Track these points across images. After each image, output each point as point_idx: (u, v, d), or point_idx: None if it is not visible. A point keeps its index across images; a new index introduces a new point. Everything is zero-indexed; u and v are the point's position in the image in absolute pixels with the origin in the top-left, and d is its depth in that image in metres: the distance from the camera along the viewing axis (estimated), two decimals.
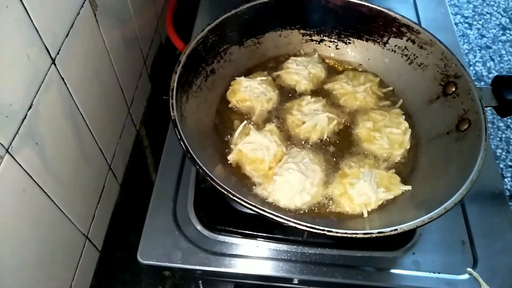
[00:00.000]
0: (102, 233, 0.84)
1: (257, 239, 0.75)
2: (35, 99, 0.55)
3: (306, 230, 0.58)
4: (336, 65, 0.94)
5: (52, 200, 0.62)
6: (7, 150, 0.50)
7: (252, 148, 0.74)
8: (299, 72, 0.87)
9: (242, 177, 0.75)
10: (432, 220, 0.60)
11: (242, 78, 0.84)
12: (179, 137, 0.64)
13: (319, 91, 0.88)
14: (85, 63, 0.69)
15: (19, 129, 0.52)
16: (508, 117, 1.18)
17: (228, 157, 0.76)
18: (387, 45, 0.88)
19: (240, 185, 0.73)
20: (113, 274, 0.84)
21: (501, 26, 2.42)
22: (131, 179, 0.94)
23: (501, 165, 1.89)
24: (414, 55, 0.85)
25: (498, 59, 2.26)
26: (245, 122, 0.79)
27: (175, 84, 0.70)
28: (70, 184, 0.67)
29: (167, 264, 0.71)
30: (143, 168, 0.99)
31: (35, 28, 0.53)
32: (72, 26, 0.63)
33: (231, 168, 0.75)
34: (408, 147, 0.79)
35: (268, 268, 0.72)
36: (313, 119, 0.80)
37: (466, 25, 2.42)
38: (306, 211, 0.71)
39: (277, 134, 0.78)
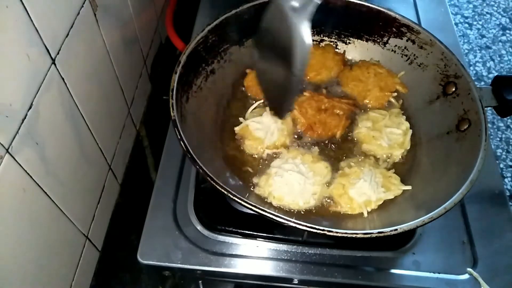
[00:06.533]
0: (102, 233, 0.84)
1: (257, 239, 0.75)
2: (35, 99, 0.55)
3: (306, 230, 0.58)
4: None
5: (52, 200, 0.62)
6: (7, 150, 0.50)
7: (258, 127, 0.76)
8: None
9: (242, 177, 0.75)
10: (432, 220, 0.60)
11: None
12: (179, 137, 0.64)
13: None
14: (85, 63, 0.69)
15: (19, 129, 0.52)
16: (508, 117, 1.18)
17: (235, 128, 0.79)
18: (387, 45, 0.88)
19: (240, 185, 0.73)
20: (113, 274, 0.84)
21: (501, 26, 2.42)
22: (131, 179, 0.94)
23: (501, 165, 1.89)
24: (414, 55, 0.85)
25: (498, 59, 2.26)
26: (261, 100, 0.81)
27: (175, 84, 0.70)
28: (70, 184, 0.67)
29: (167, 264, 0.71)
30: (143, 168, 0.99)
31: (35, 28, 0.53)
32: (72, 26, 0.63)
33: (231, 168, 0.75)
34: (409, 147, 0.79)
35: (268, 268, 0.72)
36: None
37: (466, 25, 2.42)
38: (306, 211, 0.71)
39: (288, 126, 0.79)
